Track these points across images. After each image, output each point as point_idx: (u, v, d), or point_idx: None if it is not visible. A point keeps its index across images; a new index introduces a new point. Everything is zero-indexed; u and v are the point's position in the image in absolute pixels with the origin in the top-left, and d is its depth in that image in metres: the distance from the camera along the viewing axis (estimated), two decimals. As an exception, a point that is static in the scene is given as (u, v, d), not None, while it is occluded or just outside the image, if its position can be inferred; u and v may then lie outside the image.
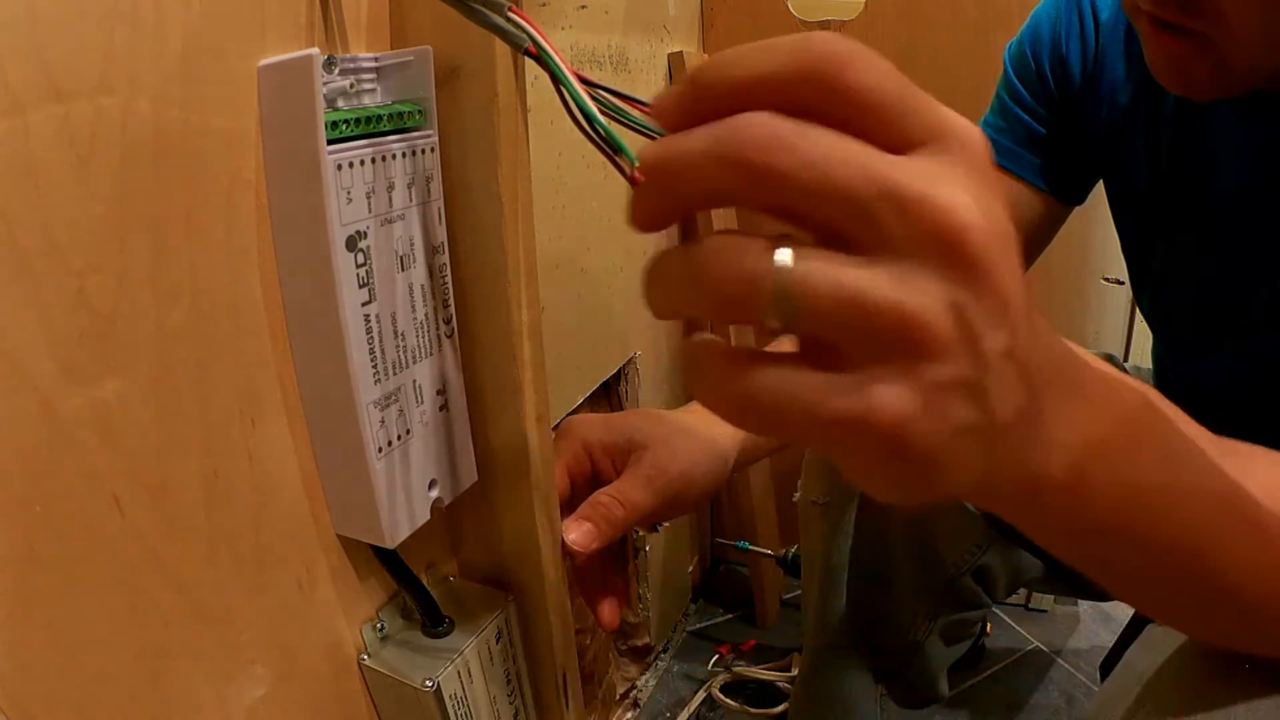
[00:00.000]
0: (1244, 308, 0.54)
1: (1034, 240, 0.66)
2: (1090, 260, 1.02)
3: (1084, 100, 0.60)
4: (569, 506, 0.53)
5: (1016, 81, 0.63)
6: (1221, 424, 0.61)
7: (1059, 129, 0.62)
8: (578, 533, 0.48)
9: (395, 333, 0.47)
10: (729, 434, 0.54)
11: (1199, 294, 0.58)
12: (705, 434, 0.52)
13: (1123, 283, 1.01)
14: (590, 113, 0.37)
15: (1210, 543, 0.31)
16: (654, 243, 1.03)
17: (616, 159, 0.37)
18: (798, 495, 0.73)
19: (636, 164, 0.33)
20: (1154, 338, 0.67)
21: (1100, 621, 1.21)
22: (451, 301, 0.51)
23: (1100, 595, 0.76)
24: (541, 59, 0.37)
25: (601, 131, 0.37)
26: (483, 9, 0.37)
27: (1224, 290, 0.56)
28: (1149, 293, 0.63)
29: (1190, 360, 0.64)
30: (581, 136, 0.35)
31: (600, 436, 0.51)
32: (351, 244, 0.43)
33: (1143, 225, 0.62)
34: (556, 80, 0.37)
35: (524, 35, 0.37)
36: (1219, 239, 0.55)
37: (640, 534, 1.03)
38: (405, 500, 0.49)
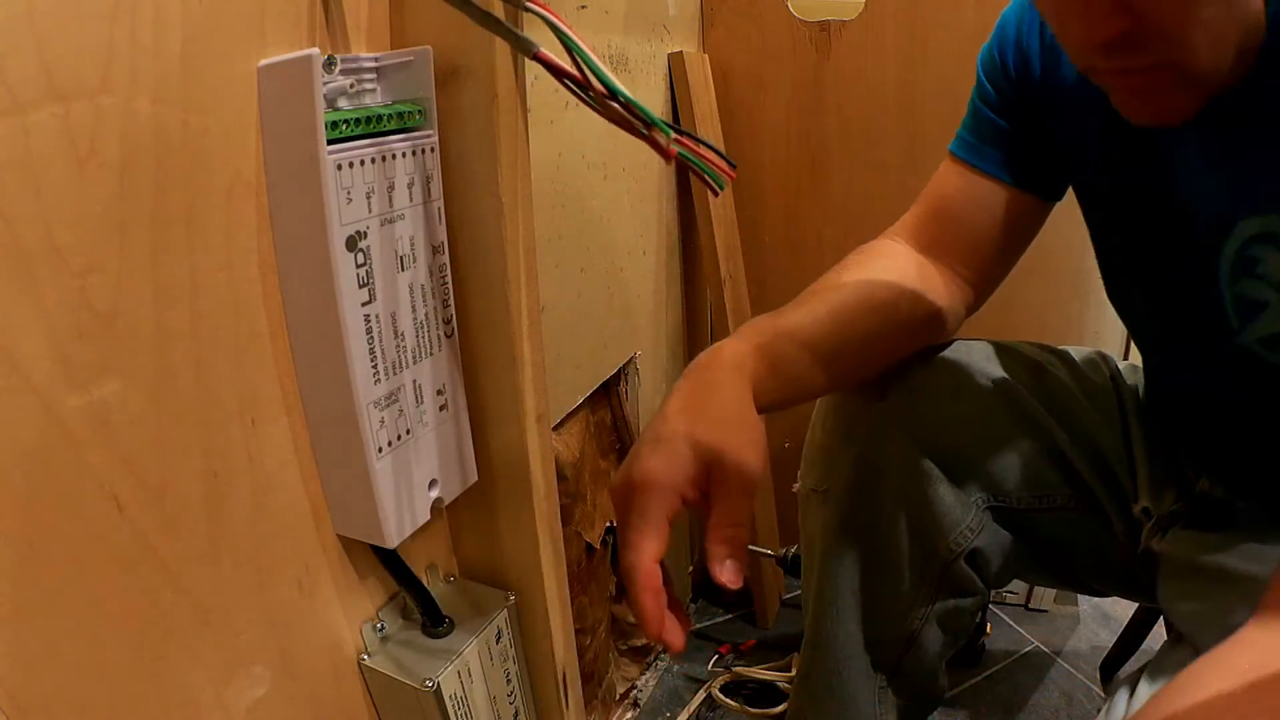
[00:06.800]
0: (1204, 309, 0.54)
1: (1013, 235, 0.66)
2: (1089, 260, 1.01)
3: (1044, 94, 0.61)
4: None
5: (986, 83, 0.65)
6: (1209, 426, 0.62)
7: (1023, 123, 0.63)
8: (731, 572, 0.47)
9: (395, 333, 0.47)
10: (748, 395, 0.53)
11: (1161, 294, 0.58)
12: (743, 411, 0.51)
13: (1122, 283, 1.01)
14: (616, 88, 0.37)
15: None
16: (654, 242, 1.03)
17: (650, 133, 0.37)
18: (797, 485, 0.74)
19: (671, 136, 0.33)
20: (1132, 338, 0.67)
21: (1100, 621, 1.21)
22: (451, 301, 0.51)
23: (1097, 592, 0.77)
24: (562, 41, 0.37)
25: (630, 105, 0.37)
26: (493, 14, 0.37)
27: (1184, 291, 0.56)
28: (1118, 293, 0.64)
29: (1166, 361, 0.64)
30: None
31: (686, 477, 0.48)
32: (351, 244, 0.43)
33: (1103, 223, 0.62)
34: (578, 60, 0.37)
35: (532, 40, 0.37)
36: (1174, 239, 0.55)
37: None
38: (405, 500, 0.49)
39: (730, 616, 1.27)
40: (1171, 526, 0.63)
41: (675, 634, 0.47)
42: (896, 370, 0.67)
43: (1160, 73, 0.44)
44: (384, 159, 0.44)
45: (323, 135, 0.40)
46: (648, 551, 0.46)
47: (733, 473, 0.48)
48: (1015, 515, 0.69)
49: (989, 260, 0.67)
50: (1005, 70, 0.63)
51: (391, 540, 0.48)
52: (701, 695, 1.10)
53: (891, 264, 0.65)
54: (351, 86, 0.43)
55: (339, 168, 0.41)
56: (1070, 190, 0.66)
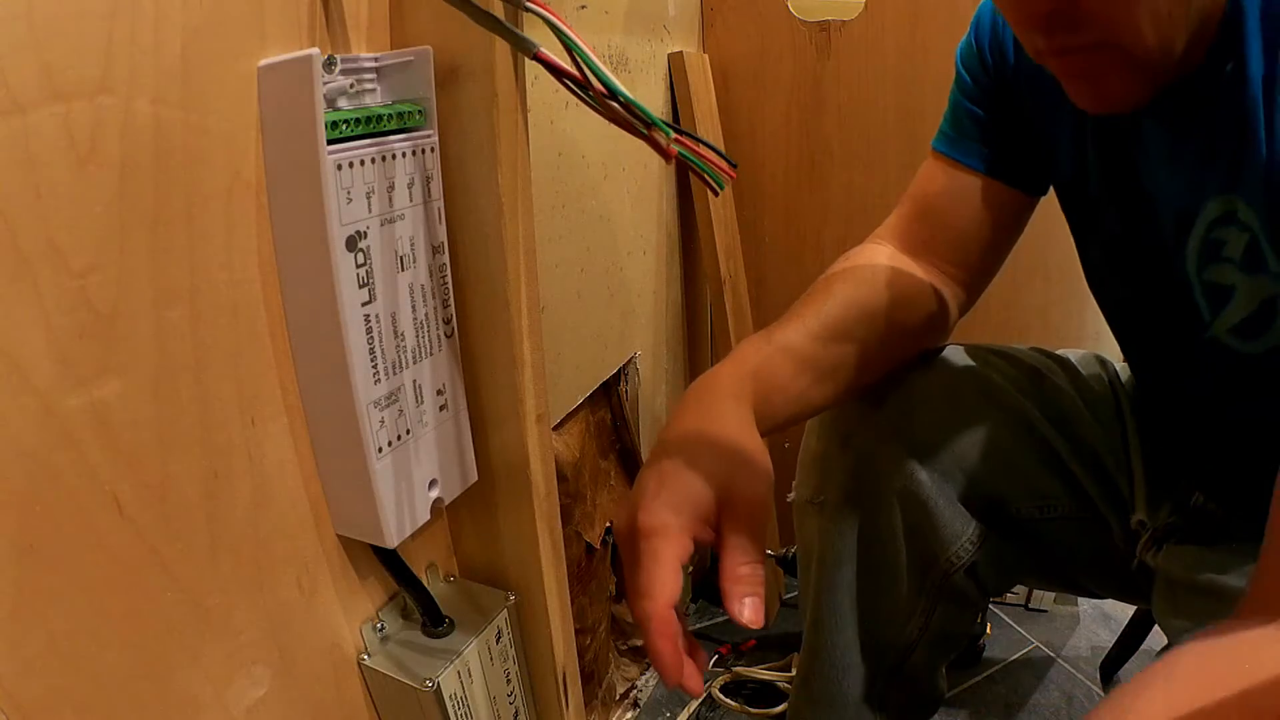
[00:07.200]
0: (1176, 303, 0.53)
1: (998, 230, 0.66)
2: (1090, 260, 1.02)
3: (1019, 84, 0.61)
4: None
5: (964, 74, 0.64)
6: (1193, 431, 0.61)
7: (1001, 113, 0.63)
8: (752, 611, 0.46)
9: (395, 333, 0.47)
10: (750, 423, 0.53)
11: (1136, 290, 0.58)
12: (747, 442, 0.50)
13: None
14: (616, 88, 0.37)
15: None
16: (654, 242, 1.03)
17: (650, 133, 0.37)
18: (792, 495, 0.73)
19: (671, 136, 0.33)
20: (1116, 338, 0.66)
21: (1100, 621, 1.21)
22: (451, 301, 0.51)
23: (1096, 595, 0.76)
24: (562, 40, 0.37)
25: (630, 105, 0.37)
26: (494, 14, 0.37)
27: (1156, 285, 0.55)
28: (1097, 288, 0.63)
29: (1147, 361, 0.63)
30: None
31: (696, 515, 0.47)
32: (351, 244, 0.43)
33: (1077, 212, 0.62)
34: (578, 60, 0.37)
35: (532, 40, 0.37)
36: (1143, 230, 0.54)
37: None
38: (405, 500, 0.49)
39: (729, 616, 1.27)
40: (1166, 541, 0.62)
41: (694, 679, 0.46)
42: (892, 378, 0.66)
43: (1103, 55, 0.43)
44: (384, 159, 0.44)
45: (323, 135, 0.40)
46: (662, 598, 0.45)
47: (743, 509, 0.47)
48: (1015, 523, 0.69)
49: (977, 257, 0.67)
50: (982, 60, 0.63)
51: (391, 540, 0.48)
52: (701, 695, 1.10)
53: (880, 271, 0.64)
54: (351, 86, 0.43)
55: (339, 168, 0.41)
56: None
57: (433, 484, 0.51)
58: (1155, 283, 0.56)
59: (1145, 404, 0.68)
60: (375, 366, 0.46)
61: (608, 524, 0.94)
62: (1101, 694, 1.07)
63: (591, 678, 0.97)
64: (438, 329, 0.50)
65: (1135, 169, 0.54)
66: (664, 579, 0.46)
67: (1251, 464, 0.57)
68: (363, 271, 0.44)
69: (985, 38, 0.62)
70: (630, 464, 1.02)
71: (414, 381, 0.49)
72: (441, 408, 0.51)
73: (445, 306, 0.50)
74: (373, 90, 0.45)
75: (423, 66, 0.45)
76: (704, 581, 1.33)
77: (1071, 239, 0.65)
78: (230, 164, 0.40)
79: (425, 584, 0.55)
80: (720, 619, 1.26)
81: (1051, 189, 0.65)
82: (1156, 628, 0.92)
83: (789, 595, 1.29)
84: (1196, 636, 0.37)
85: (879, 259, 0.66)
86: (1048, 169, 0.63)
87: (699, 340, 1.20)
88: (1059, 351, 0.73)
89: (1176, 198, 0.51)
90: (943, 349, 0.69)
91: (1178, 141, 0.50)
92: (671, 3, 1.01)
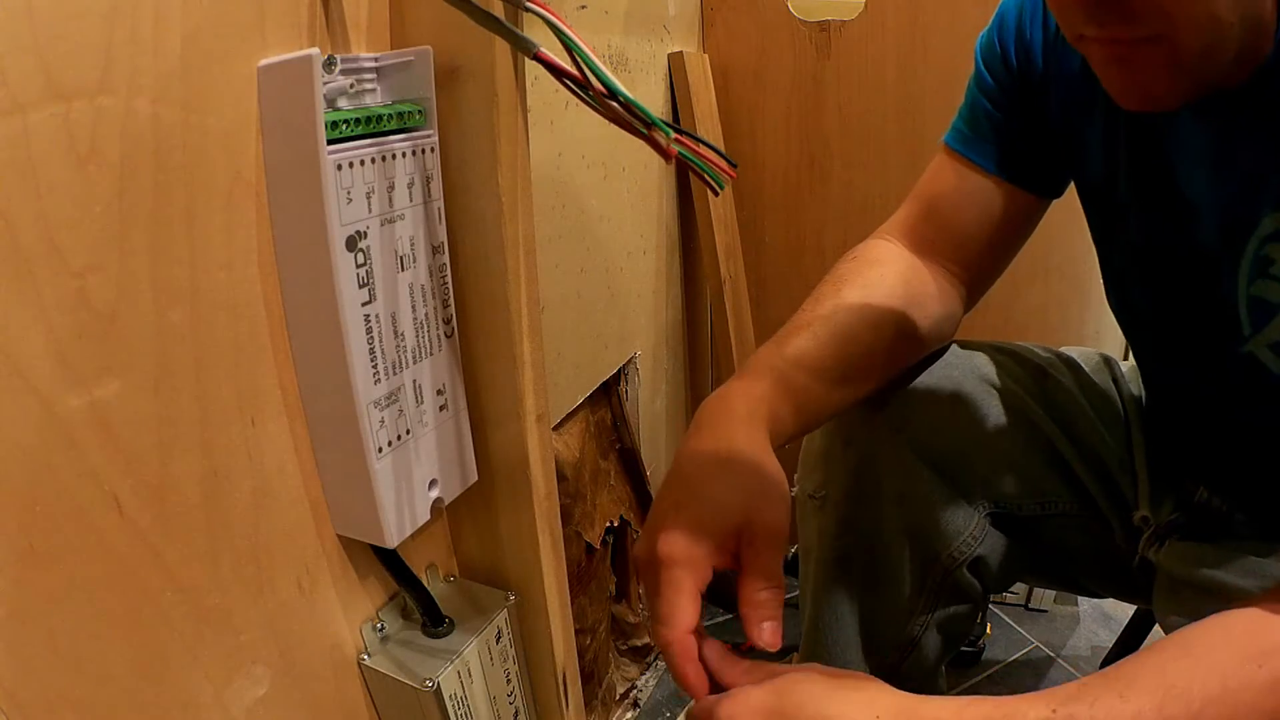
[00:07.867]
0: (1212, 312, 0.53)
1: (1007, 233, 0.65)
2: (1089, 260, 1.02)
3: (1046, 87, 0.60)
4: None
5: (985, 71, 0.63)
6: (1207, 435, 0.61)
7: (1021, 115, 0.62)
8: (770, 634, 0.47)
9: (395, 333, 0.47)
10: (766, 445, 0.53)
11: (1166, 297, 0.58)
12: (763, 466, 0.51)
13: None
14: (616, 88, 0.37)
15: None
16: (654, 242, 1.03)
17: (650, 133, 0.37)
18: (795, 490, 0.73)
19: (671, 136, 0.32)
20: (1129, 343, 0.66)
21: (1100, 621, 1.21)
22: (451, 301, 0.51)
23: (1096, 594, 0.76)
24: (562, 40, 0.37)
25: (630, 105, 0.37)
26: (494, 13, 0.37)
27: (1191, 294, 0.55)
28: (1119, 296, 0.63)
29: (1165, 367, 0.63)
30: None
31: (716, 543, 0.48)
32: (351, 244, 0.43)
33: (1103, 217, 0.61)
34: (578, 60, 0.37)
35: (532, 40, 0.37)
36: (1180, 238, 0.54)
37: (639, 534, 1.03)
38: (405, 500, 0.49)
39: (730, 616, 1.27)
40: (1169, 537, 0.62)
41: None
42: (896, 377, 0.66)
43: (1150, 48, 0.42)
44: (384, 159, 0.44)
45: (323, 135, 0.40)
46: (682, 625, 0.46)
47: (762, 535, 0.48)
48: (1017, 521, 0.69)
49: (983, 258, 0.66)
50: (1006, 60, 0.62)
51: (391, 540, 0.48)
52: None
53: (887, 272, 0.64)
54: (351, 86, 0.43)
55: (339, 168, 0.41)
56: (1069, 190, 0.65)
57: (433, 484, 0.51)
58: (1188, 291, 0.55)
59: (1152, 404, 0.68)
60: (375, 366, 0.46)
61: (608, 524, 0.94)
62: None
63: (591, 678, 0.97)
64: (438, 329, 0.50)
65: (1171, 172, 0.53)
66: (685, 607, 0.47)
67: (1259, 461, 0.57)
68: (363, 271, 0.44)
69: (1010, 38, 0.61)
70: (630, 464, 1.02)
71: (414, 381, 0.49)
72: (441, 408, 0.51)
73: (445, 306, 0.50)
74: (373, 90, 0.45)
75: (423, 66, 0.45)
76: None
77: (1072, 239, 0.65)
78: (230, 164, 0.40)
79: (425, 584, 0.55)
80: (721, 618, 1.26)
81: (1064, 192, 0.65)
82: (1155, 629, 0.92)
83: (789, 595, 1.29)
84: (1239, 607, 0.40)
85: (887, 260, 0.65)
86: (1070, 172, 0.63)
87: (699, 340, 1.20)
88: (1062, 349, 0.73)
89: (1223, 206, 0.50)
90: (945, 347, 0.69)
91: (1224, 149, 0.49)
92: (671, 3, 1.01)
